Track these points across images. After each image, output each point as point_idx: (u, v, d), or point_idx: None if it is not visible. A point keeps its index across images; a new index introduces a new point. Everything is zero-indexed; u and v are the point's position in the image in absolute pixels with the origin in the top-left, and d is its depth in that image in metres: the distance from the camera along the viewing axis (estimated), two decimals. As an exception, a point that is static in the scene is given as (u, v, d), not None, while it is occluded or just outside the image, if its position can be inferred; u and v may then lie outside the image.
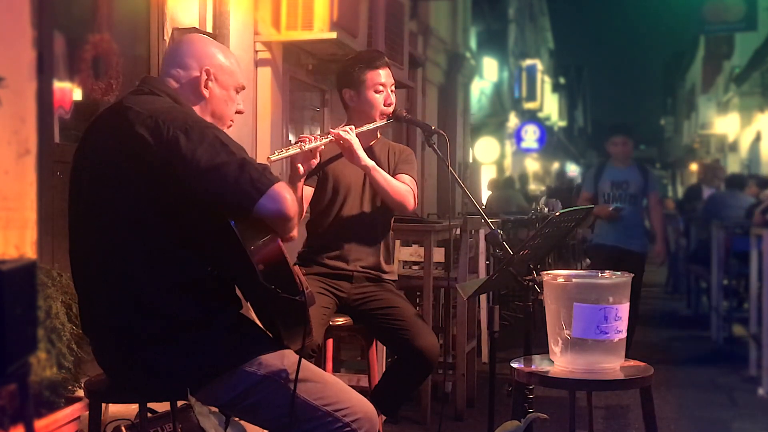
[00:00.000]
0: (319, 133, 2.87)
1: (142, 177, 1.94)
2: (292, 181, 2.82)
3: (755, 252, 5.26)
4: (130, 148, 1.95)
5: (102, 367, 2.11)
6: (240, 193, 1.89)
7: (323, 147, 2.85)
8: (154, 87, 2.10)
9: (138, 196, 1.96)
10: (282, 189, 1.91)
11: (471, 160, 14.54)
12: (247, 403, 2.00)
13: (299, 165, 2.79)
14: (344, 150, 2.94)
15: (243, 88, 2.25)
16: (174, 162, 1.90)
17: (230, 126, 2.22)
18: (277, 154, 2.68)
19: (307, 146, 2.74)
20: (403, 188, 3.02)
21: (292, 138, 5.74)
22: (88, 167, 2.04)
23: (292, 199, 1.93)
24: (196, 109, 2.12)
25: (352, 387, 2.13)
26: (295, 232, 2.02)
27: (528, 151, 20.98)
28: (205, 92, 2.14)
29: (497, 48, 17.11)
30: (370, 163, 2.95)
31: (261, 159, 5.07)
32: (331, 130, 2.92)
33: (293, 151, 2.71)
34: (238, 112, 2.24)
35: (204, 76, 2.13)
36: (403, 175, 3.09)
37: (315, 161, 2.84)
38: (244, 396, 1.99)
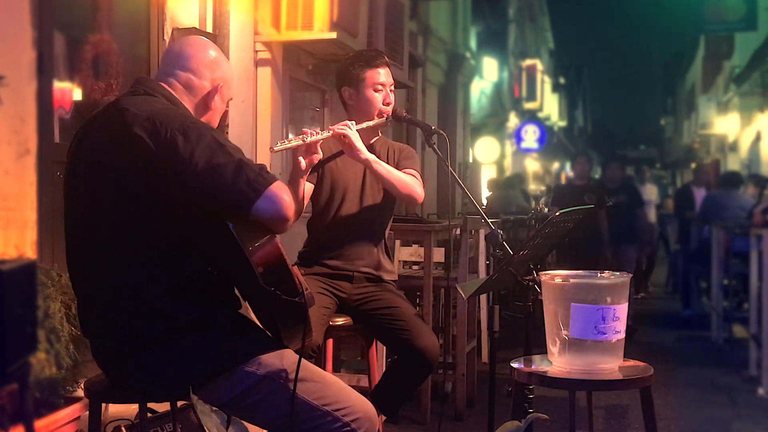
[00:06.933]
0: (319, 129, 2.85)
1: (141, 178, 1.94)
2: (295, 177, 2.77)
3: (755, 252, 5.26)
4: (128, 149, 1.94)
5: (102, 369, 2.11)
6: (237, 195, 1.89)
7: (323, 140, 2.83)
8: (149, 88, 2.10)
9: (136, 197, 1.96)
10: (279, 189, 1.91)
11: (471, 160, 14.53)
12: (247, 403, 2.00)
13: (300, 159, 2.74)
14: (344, 145, 2.92)
15: (231, 99, 2.30)
16: (172, 163, 1.90)
17: None
18: (279, 144, 2.67)
19: (309, 139, 2.72)
20: (408, 179, 3.00)
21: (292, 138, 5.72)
22: (84, 169, 2.04)
23: (289, 199, 1.92)
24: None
25: (352, 387, 2.13)
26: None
27: (528, 151, 20.94)
28: (212, 104, 2.18)
29: (497, 48, 17.09)
30: (371, 156, 2.92)
31: (261, 159, 5.09)
32: (331, 126, 2.91)
33: (296, 142, 2.70)
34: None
35: (215, 91, 2.17)
36: (407, 169, 3.07)
37: (318, 156, 2.81)
38: (244, 396, 1.99)
